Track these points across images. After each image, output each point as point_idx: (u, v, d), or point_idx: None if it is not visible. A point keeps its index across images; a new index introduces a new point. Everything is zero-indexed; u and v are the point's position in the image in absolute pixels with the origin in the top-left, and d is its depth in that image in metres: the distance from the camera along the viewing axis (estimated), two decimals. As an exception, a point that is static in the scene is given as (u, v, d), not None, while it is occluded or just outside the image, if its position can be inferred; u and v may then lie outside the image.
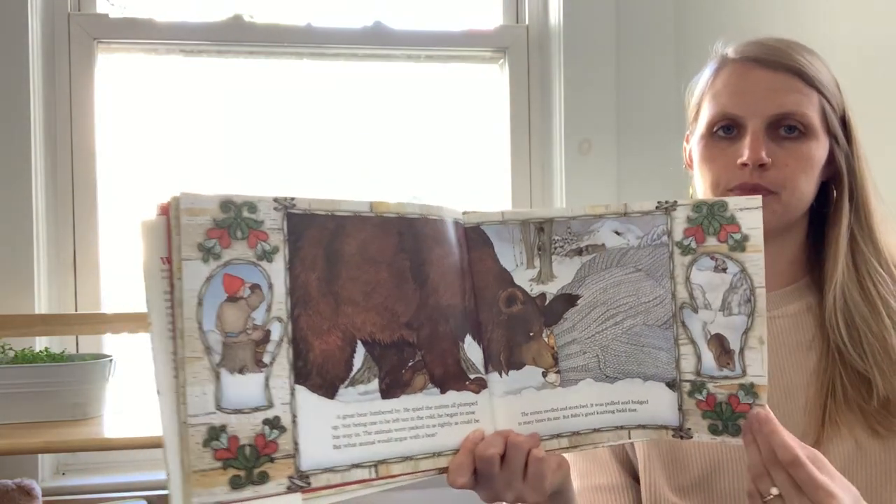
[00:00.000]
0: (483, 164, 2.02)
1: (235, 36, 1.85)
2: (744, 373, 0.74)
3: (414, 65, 1.97)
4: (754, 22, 1.69)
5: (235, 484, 0.62)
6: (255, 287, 0.65)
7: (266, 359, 0.65)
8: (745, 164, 0.87)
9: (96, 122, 1.79)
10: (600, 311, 0.79)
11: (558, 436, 0.78)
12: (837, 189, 0.93)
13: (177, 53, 1.86)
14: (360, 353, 0.70)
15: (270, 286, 0.65)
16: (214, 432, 0.62)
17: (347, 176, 1.95)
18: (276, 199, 0.67)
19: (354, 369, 0.70)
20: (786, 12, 1.60)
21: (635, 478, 0.97)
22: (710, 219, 0.77)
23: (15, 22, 1.67)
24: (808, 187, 0.89)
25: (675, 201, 0.78)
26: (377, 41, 1.91)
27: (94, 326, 1.65)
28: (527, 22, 1.98)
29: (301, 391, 0.66)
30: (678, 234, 0.77)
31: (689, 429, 0.77)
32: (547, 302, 0.79)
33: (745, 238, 0.75)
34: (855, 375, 0.86)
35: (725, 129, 0.90)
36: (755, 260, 0.75)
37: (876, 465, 0.85)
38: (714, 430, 0.76)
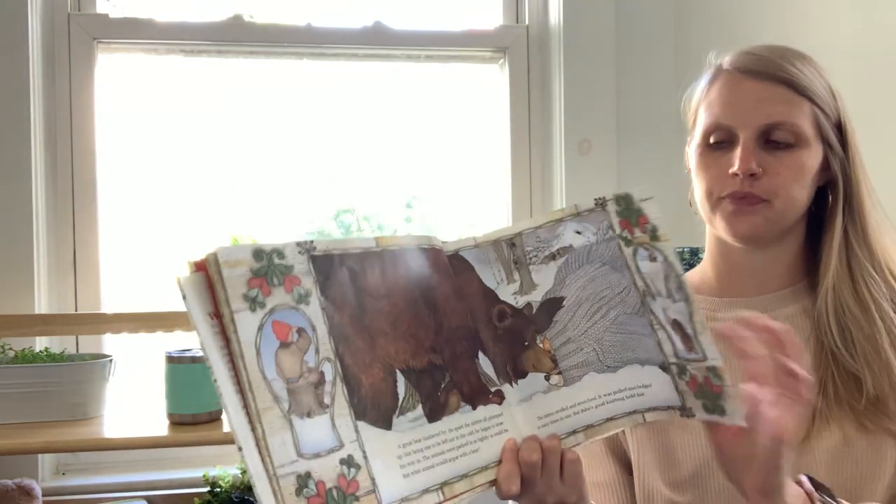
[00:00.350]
0: (483, 164, 2.02)
1: (235, 36, 1.85)
2: (705, 356, 0.76)
3: (414, 65, 1.97)
4: (754, 22, 1.69)
5: None
6: (300, 331, 0.65)
7: (327, 399, 0.65)
8: (736, 174, 0.89)
9: (96, 122, 1.79)
10: (586, 307, 0.81)
11: (574, 432, 0.79)
12: (833, 194, 0.94)
13: (177, 53, 1.86)
14: (401, 381, 0.72)
15: (313, 328, 0.66)
16: (303, 480, 0.62)
17: (347, 176, 1.95)
18: (298, 244, 0.68)
19: (400, 398, 0.71)
20: (785, 13, 1.60)
21: (631, 472, 0.99)
22: (628, 211, 0.81)
23: (15, 22, 1.67)
24: (799, 194, 0.91)
25: (604, 197, 0.82)
26: (377, 41, 1.91)
27: (94, 326, 1.65)
28: (527, 22, 1.98)
29: (363, 426, 0.67)
30: (617, 228, 0.81)
31: (690, 408, 0.78)
32: (534, 310, 0.81)
33: (655, 228, 0.78)
34: (846, 375, 0.88)
35: (719, 139, 0.92)
36: (669, 248, 0.77)
37: (862, 460, 0.86)
38: (707, 409, 0.76)
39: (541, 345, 0.81)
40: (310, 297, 0.67)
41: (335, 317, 0.68)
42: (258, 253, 0.65)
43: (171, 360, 1.39)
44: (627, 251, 0.80)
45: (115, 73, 1.84)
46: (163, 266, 1.86)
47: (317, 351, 0.66)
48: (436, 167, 2.00)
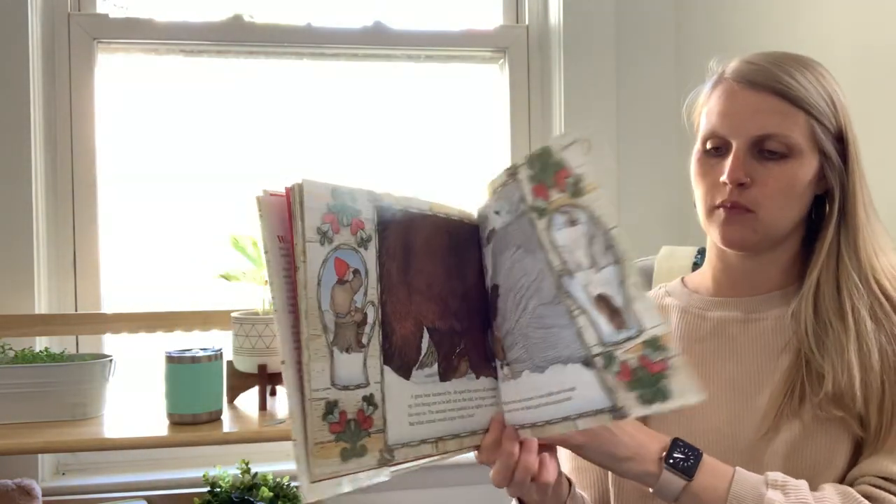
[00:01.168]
0: (483, 164, 2.02)
1: (235, 36, 1.85)
2: (640, 329, 0.68)
3: (414, 65, 1.97)
4: (754, 22, 1.69)
5: (344, 456, 0.68)
6: (356, 272, 0.70)
7: (364, 340, 0.70)
8: (725, 182, 0.92)
9: (96, 122, 1.79)
10: (513, 297, 0.78)
11: (522, 427, 0.79)
12: (829, 204, 0.96)
13: (177, 53, 1.86)
14: (426, 338, 0.77)
15: (367, 272, 0.71)
16: (330, 406, 0.67)
17: (347, 176, 1.95)
18: (369, 192, 0.73)
19: (422, 353, 0.76)
20: (785, 14, 1.60)
21: None
22: (544, 171, 0.73)
23: (15, 22, 1.67)
24: (788, 206, 0.93)
25: (516, 164, 0.76)
26: (377, 41, 1.91)
27: (94, 326, 1.65)
28: (527, 22, 1.98)
29: (388, 371, 0.72)
30: (529, 198, 0.75)
31: (622, 407, 0.69)
32: (490, 296, 0.83)
33: (579, 179, 0.71)
34: (814, 375, 0.90)
35: (715, 146, 0.94)
36: (597, 199, 0.70)
37: (820, 448, 0.89)
38: (645, 401, 0.68)
39: (496, 332, 0.82)
40: (369, 243, 0.71)
41: (386, 265, 0.73)
42: (336, 192, 0.69)
43: (171, 360, 1.39)
44: (540, 225, 0.74)
45: (115, 73, 1.84)
46: (163, 266, 1.86)
47: (365, 293, 0.70)
48: (436, 167, 2.00)
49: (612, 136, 1.92)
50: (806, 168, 0.92)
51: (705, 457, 0.82)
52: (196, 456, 1.77)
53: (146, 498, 1.63)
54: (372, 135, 1.96)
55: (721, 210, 0.94)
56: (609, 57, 1.92)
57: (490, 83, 2.01)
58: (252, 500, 1.54)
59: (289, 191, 0.68)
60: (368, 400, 0.70)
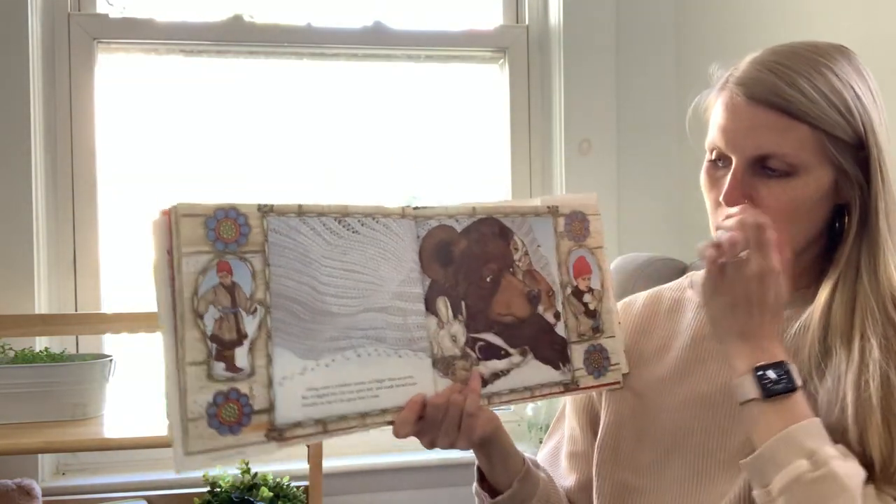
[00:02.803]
0: (483, 164, 2.02)
1: (235, 36, 1.85)
2: None
3: (414, 65, 1.97)
4: (754, 22, 1.69)
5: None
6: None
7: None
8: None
9: (96, 122, 1.79)
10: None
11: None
12: (848, 216, 0.88)
13: (177, 53, 1.86)
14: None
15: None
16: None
17: (347, 176, 1.95)
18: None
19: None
20: (787, 13, 1.60)
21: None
22: None
23: (15, 22, 1.67)
24: (795, 225, 0.87)
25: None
26: (377, 41, 1.91)
27: (94, 326, 1.65)
28: (527, 22, 1.98)
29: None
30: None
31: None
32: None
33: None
34: (810, 399, 0.83)
35: (718, 157, 0.90)
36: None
37: None
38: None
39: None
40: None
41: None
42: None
43: (171, 360, 1.39)
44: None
45: (115, 73, 1.84)
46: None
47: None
48: (436, 167, 2.00)
49: (612, 136, 1.92)
50: (814, 184, 0.85)
51: (796, 395, 0.79)
52: (196, 456, 1.76)
53: (146, 498, 1.62)
54: (372, 135, 1.96)
55: (724, 229, 0.88)
56: (609, 57, 1.92)
57: (490, 83, 2.01)
58: (252, 500, 1.54)
59: (169, 210, 0.76)
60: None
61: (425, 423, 0.85)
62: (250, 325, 0.77)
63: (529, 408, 1.86)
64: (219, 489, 1.57)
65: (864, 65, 0.91)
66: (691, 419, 0.91)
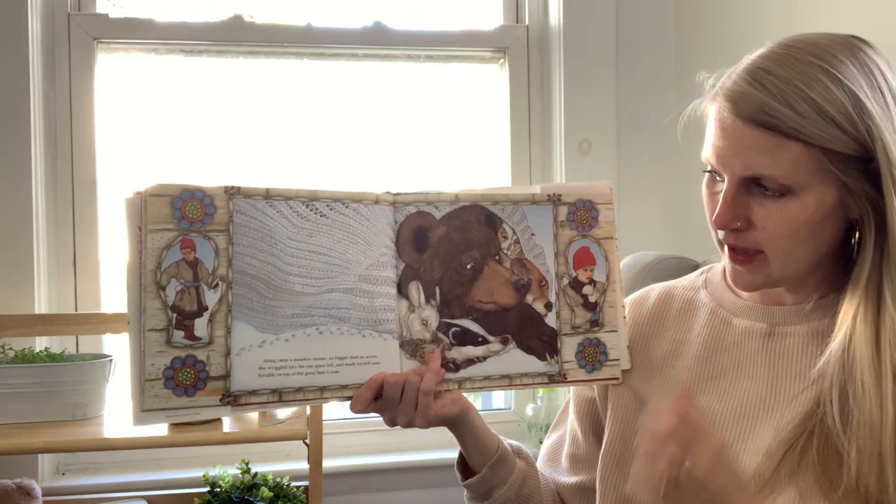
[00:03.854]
0: (483, 164, 2.02)
1: (235, 36, 1.85)
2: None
3: (414, 65, 1.97)
4: (754, 22, 1.69)
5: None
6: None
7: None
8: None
9: (96, 122, 1.79)
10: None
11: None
12: (861, 232, 0.81)
13: (177, 53, 1.86)
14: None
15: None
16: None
17: (347, 176, 1.95)
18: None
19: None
20: (786, 13, 1.60)
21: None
22: None
23: (15, 22, 1.67)
24: (798, 247, 0.81)
25: None
26: (377, 41, 1.91)
27: (94, 326, 1.65)
28: (527, 22, 1.98)
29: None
30: None
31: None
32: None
33: None
34: (829, 447, 0.77)
35: (717, 171, 0.84)
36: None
37: None
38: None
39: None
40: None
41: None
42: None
43: (171, 360, 1.39)
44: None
45: (115, 73, 1.84)
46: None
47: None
48: (436, 167, 2.00)
49: (612, 136, 1.92)
50: (815, 204, 0.78)
51: None
52: (196, 456, 1.77)
53: (146, 498, 1.62)
54: (372, 135, 1.96)
55: (726, 248, 0.85)
56: (609, 57, 1.92)
57: (490, 83, 2.01)
58: (252, 500, 1.54)
59: (142, 191, 0.82)
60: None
61: (384, 401, 0.88)
62: (211, 298, 0.83)
63: (529, 408, 1.86)
64: (219, 489, 1.57)
65: (882, 56, 0.82)
66: None
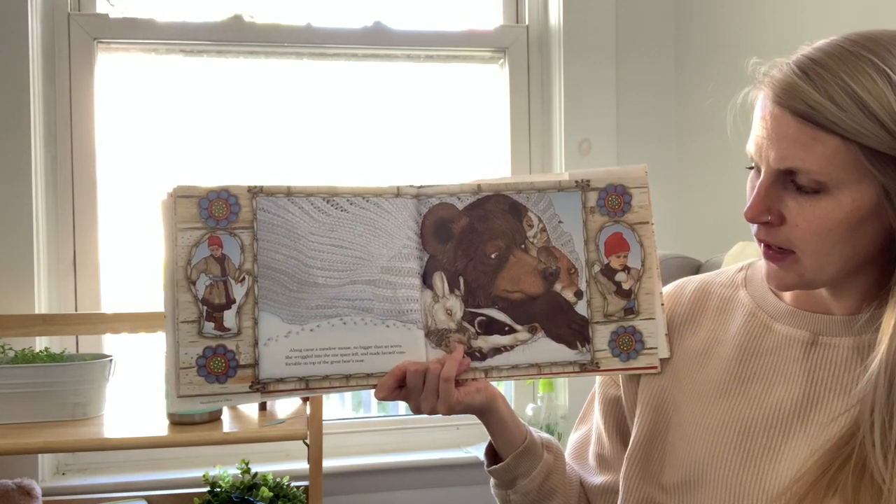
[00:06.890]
0: (483, 164, 2.02)
1: (235, 36, 1.85)
2: None
3: (414, 65, 1.97)
4: (754, 22, 1.69)
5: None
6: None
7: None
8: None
9: (96, 122, 1.79)
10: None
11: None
12: None
13: (177, 53, 1.86)
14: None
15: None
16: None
17: (347, 176, 1.95)
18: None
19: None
20: (786, 12, 1.60)
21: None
22: None
23: (15, 22, 1.67)
24: (832, 249, 0.76)
25: None
26: (377, 41, 1.91)
27: (94, 326, 1.65)
28: (527, 22, 1.98)
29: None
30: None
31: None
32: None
33: None
34: (867, 476, 0.73)
35: (758, 166, 0.81)
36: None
37: None
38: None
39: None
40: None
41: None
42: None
43: (171, 360, 1.39)
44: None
45: (115, 73, 1.84)
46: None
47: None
48: (436, 167, 2.00)
49: (612, 136, 1.92)
50: (851, 205, 0.74)
51: None
52: (196, 456, 1.77)
53: (146, 498, 1.63)
54: (372, 135, 1.96)
55: (762, 245, 0.81)
56: (609, 57, 1.92)
57: (490, 83, 2.01)
58: (252, 500, 1.54)
59: (172, 192, 0.87)
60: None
61: (407, 389, 0.89)
62: (238, 291, 0.87)
63: (529, 408, 1.86)
64: (219, 489, 1.57)
65: None
66: (726, 446, 0.83)
